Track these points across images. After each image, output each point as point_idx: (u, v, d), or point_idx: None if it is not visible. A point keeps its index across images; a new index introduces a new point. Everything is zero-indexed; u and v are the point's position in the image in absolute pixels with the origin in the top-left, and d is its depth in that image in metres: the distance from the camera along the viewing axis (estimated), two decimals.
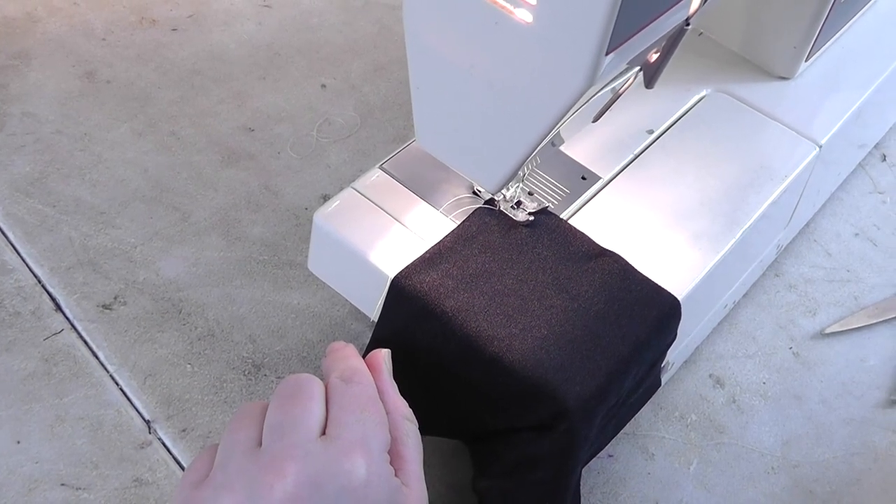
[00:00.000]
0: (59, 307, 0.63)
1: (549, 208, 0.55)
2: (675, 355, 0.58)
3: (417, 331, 0.50)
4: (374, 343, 0.52)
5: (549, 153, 0.59)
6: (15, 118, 0.74)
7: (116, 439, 0.57)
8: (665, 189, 0.58)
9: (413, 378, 0.48)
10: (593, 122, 0.56)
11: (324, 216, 0.55)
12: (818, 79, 0.67)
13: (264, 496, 0.38)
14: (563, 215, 0.56)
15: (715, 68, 0.66)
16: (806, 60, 0.65)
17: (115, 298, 0.64)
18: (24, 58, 0.79)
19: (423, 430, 0.45)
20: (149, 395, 0.59)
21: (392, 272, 0.51)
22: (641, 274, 0.52)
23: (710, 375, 0.63)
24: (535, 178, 0.58)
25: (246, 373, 0.61)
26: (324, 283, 0.59)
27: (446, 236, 0.53)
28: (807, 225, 0.73)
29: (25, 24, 0.82)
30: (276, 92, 0.79)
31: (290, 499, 0.38)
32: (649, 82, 0.52)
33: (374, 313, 0.54)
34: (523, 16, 0.40)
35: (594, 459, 0.56)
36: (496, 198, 0.55)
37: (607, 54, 0.40)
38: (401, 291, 0.51)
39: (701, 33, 0.69)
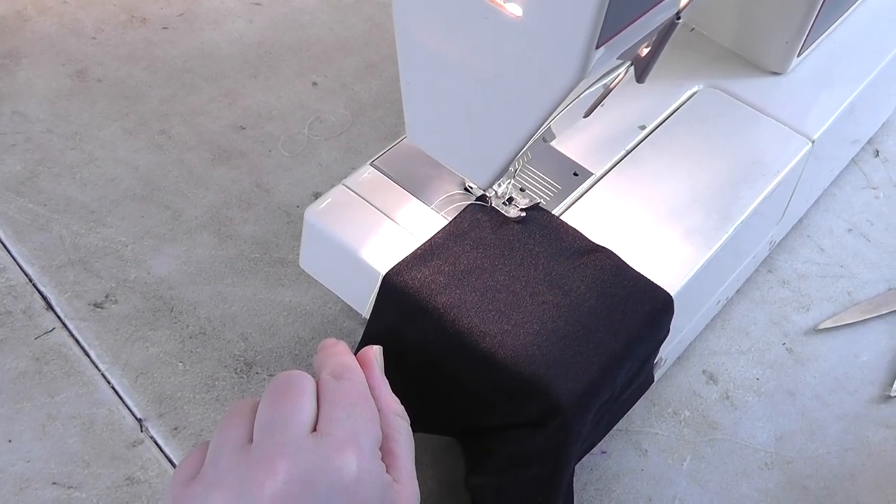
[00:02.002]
0: (50, 306, 0.63)
1: (540, 204, 0.55)
2: (667, 351, 0.58)
3: (409, 327, 0.50)
4: (366, 340, 0.52)
5: (540, 149, 0.58)
6: (5, 117, 0.74)
7: (108, 438, 0.57)
8: (657, 185, 0.58)
9: (405, 375, 0.48)
10: (584, 117, 0.56)
11: (315, 213, 0.55)
12: (810, 74, 0.67)
13: (255, 493, 0.38)
14: (555, 211, 0.56)
15: (707, 64, 0.66)
16: (798, 55, 0.65)
17: (107, 297, 0.63)
18: (13, 56, 0.79)
19: (415, 426, 0.45)
20: (140, 394, 0.59)
21: (383, 269, 0.51)
22: (634, 270, 0.52)
23: (704, 371, 0.63)
24: (527, 174, 0.58)
25: (238, 371, 0.60)
26: (315, 280, 0.59)
27: (438, 233, 0.53)
28: (800, 221, 0.73)
29: (15, 22, 0.82)
30: (268, 90, 0.79)
31: (281, 496, 0.38)
32: (640, 77, 0.51)
33: (366, 310, 0.54)
34: (513, 10, 0.40)
35: (587, 456, 0.56)
36: (487, 194, 0.55)
37: (597, 48, 0.40)
38: (392, 288, 0.51)
39: (693, 29, 0.69)
